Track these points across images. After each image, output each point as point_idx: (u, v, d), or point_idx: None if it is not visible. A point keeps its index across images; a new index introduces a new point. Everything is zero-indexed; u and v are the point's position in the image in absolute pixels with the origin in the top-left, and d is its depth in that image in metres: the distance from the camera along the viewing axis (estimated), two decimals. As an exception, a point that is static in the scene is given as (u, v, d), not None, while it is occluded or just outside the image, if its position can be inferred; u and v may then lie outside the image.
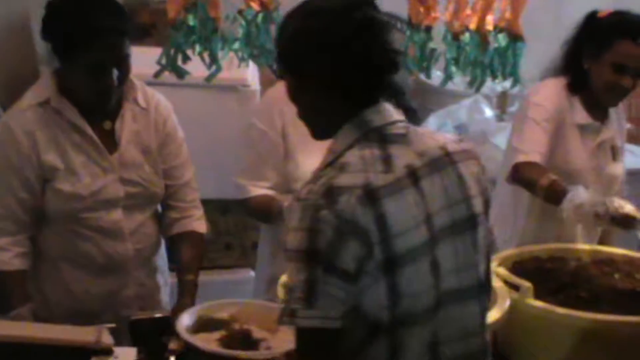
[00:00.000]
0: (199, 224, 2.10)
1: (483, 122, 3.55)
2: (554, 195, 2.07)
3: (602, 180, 2.35)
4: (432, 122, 3.67)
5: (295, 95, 1.41)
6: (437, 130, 3.43)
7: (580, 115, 2.31)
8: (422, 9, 1.97)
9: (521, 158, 2.21)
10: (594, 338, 1.79)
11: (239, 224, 2.92)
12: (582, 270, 2.07)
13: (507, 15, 1.97)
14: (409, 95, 3.70)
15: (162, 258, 2.17)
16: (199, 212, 2.11)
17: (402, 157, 1.32)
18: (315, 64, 1.35)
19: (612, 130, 2.39)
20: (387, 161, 1.30)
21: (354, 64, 1.33)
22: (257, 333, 1.76)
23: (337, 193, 1.25)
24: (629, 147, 3.56)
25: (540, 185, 2.10)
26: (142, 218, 2.02)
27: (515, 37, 1.97)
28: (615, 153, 2.39)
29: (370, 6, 1.40)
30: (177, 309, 1.89)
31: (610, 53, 2.22)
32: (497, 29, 2.10)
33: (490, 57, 1.98)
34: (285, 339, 1.63)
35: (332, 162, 1.32)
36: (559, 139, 2.30)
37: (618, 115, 2.46)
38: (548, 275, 2.03)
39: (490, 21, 2.08)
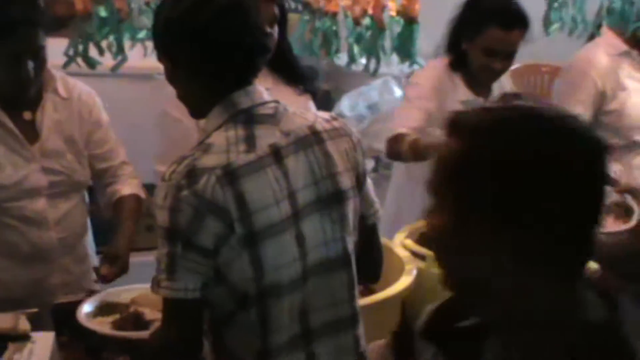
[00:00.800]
0: (138, 189, 2.16)
1: (393, 102, 3.72)
2: (418, 153, 2.17)
3: None
4: (345, 102, 3.82)
5: (171, 78, 1.48)
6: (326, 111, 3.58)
7: (462, 91, 2.45)
8: (323, -3, 2.10)
9: (390, 134, 2.32)
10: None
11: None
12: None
13: (404, 0, 2.11)
14: (322, 78, 3.85)
15: (89, 244, 2.23)
16: (137, 180, 2.18)
17: (267, 137, 1.39)
18: (181, 49, 1.41)
19: None
20: (250, 141, 1.38)
21: (218, 48, 1.39)
22: (149, 315, 1.79)
23: (198, 174, 1.33)
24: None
25: (404, 150, 2.21)
26: (68, 206, 2.07)
27: (410, 21, 2.11)
28: None
29: None
30: (109, 252, 1.97)
31: (482, 38, 2.35)
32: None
33: (387, 40, 2.12)
34: None
35: (200, 143, 1.40)
36: (443, 115, 2.42)
37: (503, 90, 2.55)
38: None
39: (392, 7, 2.20)
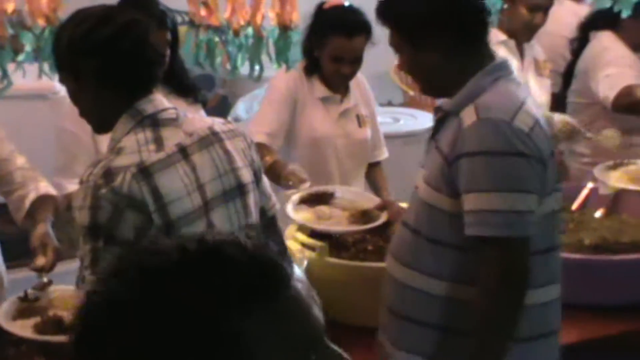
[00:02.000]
0: (49, 189, 2.18)
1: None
2: (275, 177, 2.34)
3: (352, 144, 2.72)
4: (240, 106, 4.00)
5: (75, 97, 1.62)
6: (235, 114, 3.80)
7: (320, 89, 2.65)
8: (203, 12, 2.27)
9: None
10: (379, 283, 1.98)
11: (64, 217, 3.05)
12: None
13: (277, 9, 2.29)
14: (219, 85, 4.03)
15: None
16: (44, 181, 2.21)
17: (173, 138, 1.57)
18: (87, 64, 1.55)
19: (354, 101, 2.73)
20: (158, 141, 1.54)
21: (122, 61, 1.55)
22: (68, 319, 1.83)
23: (114, 173, 1.48)
24: (412, 111, 4.06)
25: (265, 169, 2.29)
26: None
27: (285, 28, 2.29)
28: (360, 120, 2.74)
29: (133, 10, 1.64)
30: (35, 242, 1.99)
31: (328, 46, 2.54)
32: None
33: (265, 47, 2.31)
34: None
35: (112, 149, 1.56)
36: (302, 112, 2.62)
37: (360, 88, 2.79)
38: (340, 237, 2.30)
39: (272, 16, 2.36)
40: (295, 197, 2.35)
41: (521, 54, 3.03)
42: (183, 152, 1.58)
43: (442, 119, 1.87)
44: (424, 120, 3.64)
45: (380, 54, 2.53)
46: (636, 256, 2.34)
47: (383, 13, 1.87)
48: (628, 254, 2.34)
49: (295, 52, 2.38)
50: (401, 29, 1.84)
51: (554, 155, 1.89)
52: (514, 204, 1.77)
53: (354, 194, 2.53)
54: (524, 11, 2.92)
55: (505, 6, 2.80)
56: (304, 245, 2.19)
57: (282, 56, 2.26)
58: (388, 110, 4.13)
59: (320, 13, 2.60)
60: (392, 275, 1.90)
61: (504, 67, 1.88)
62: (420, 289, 1.86)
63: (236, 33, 2.27)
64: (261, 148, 2.37)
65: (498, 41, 2.81)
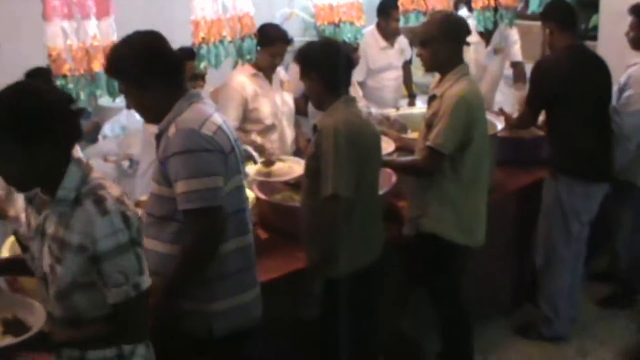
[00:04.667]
0: None
1: (136, 122, 5.32)
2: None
3: None
4: (107, 127, 5.43)
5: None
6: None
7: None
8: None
9: None
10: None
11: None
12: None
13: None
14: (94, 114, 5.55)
15: None
16: None
17: None
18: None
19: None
20: None
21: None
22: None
23: None
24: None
25: None
26: None
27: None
28: None
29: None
30: None
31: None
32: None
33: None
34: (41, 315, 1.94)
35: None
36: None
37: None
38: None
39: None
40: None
41: None
42: None
43: (159, 136, 2.38)
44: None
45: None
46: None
47: (111, 71, 2.41)
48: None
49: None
50: (127, 79, 2.36)
51: (235, 149, 2.41)
52: (207, 184, 2.26)
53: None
54: None
55: None
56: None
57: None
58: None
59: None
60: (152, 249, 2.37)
61: (196, 95, 2.42)
62: (156, 251, 2.39)
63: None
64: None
65: None
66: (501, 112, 4.26)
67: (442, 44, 3.20)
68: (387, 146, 3.59)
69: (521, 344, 4.20)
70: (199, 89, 3.48)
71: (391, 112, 4.61)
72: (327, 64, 2.78)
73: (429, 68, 3.33)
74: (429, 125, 3.21)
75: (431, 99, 3.30)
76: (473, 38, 4.40)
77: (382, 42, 5.10)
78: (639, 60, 4.20)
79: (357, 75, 4.70)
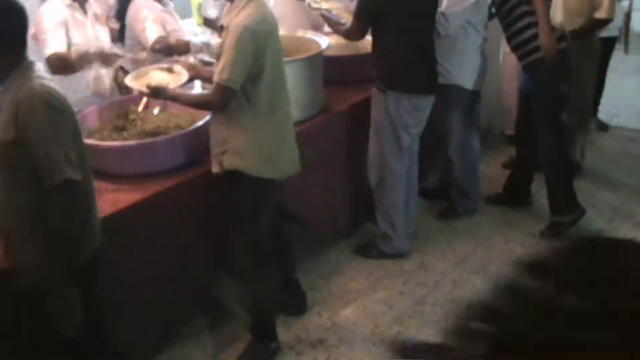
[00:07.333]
0: None
1: None
2: None
3: None
4: None
5: None
6: None
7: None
8: None
9: None
10: None
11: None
12: None
13: None
14: None
15: None
16: None
17: None
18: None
19: None
20: None
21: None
22: None
23: None
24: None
25: None
26: None
27: None
28: None
29: None
30: None
31: None
32: None
33: None
34: None
35: None
36: None
37: None
38: None
39: None
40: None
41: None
42: None
43: None
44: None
45: None
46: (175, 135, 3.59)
47: None
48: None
49: None
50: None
51: None
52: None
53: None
54: None
55: None
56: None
57: None
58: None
59: None
60: None
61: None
62: None
63: None
64: None
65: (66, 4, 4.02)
66: (323, 16, 4.13)
67: None
68: (181, 78, 3.40)
69: (362, 263, 4.21)
70: None
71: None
72: None
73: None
74: (218, 58, 3.04)
75: (221, 29, 3.12)
76: None
77: None
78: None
79: None
